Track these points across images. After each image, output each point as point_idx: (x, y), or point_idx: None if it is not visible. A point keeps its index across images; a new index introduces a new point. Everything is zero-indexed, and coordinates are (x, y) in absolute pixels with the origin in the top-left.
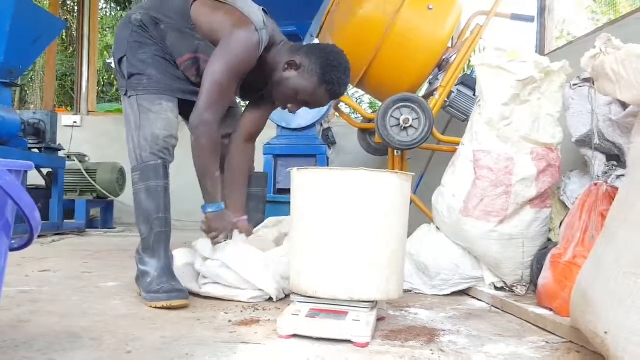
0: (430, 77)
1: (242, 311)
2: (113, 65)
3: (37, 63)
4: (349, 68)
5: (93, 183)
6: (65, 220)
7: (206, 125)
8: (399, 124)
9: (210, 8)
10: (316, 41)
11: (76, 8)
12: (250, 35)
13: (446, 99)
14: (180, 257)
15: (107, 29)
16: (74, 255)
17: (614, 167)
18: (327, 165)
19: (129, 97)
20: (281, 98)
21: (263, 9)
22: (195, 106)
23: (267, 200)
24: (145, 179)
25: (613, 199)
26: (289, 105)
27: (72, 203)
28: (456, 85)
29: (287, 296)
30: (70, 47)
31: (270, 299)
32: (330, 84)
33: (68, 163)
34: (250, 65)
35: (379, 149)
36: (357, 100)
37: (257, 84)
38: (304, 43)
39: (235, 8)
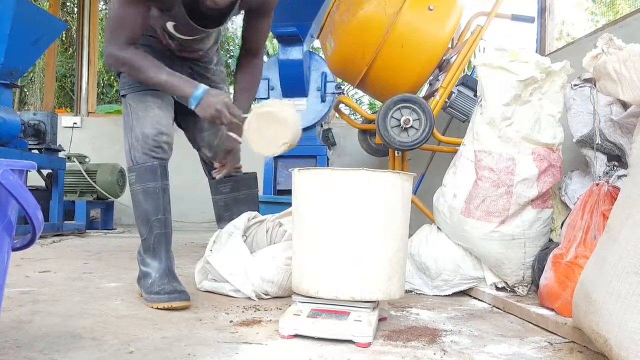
0: (431, 77)
1: (243, 311)
2: None
3: (37, 64)
4: None
5: (93, 184)
6: (65, 221)
7: (111, 58)
8: (400, 125)
9: None
10: (317, 42)
11: (76, 9)
12: None
13: (447, 100)
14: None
15: None
16: (74, 256)
17: (615, 167)
18: (328, 166)
19: (122, 96)
20: None
21: None
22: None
23: (269, 201)
24: (142, 181)
25: (614, 199)
26: None
27: (72, 204)
28: (457, 85)
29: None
30: (70, 48)
31: (272, 298)
32: None
33: (68, 164)
34: None
35: (379, 150)
36: (357, 100)
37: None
38: (305, 44)
39: None
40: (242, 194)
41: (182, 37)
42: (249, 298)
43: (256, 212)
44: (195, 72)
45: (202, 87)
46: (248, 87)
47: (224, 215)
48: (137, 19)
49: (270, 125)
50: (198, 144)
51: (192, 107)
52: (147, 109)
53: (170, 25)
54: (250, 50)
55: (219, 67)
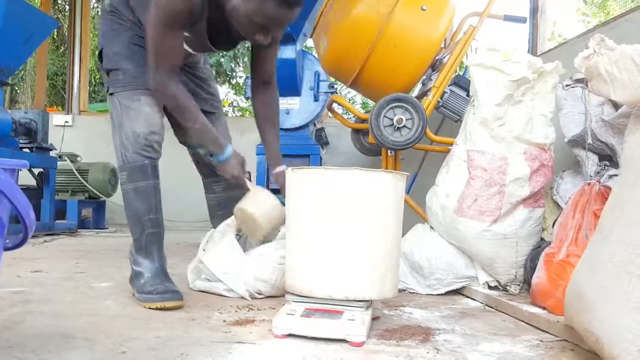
0: (424, 77)
1: (236, 311)
2: None
3: (28, 62)
4: None
5: (85, 183)
6: (56, 221)
7: (157, 87)
8: (393, 124)
9: None
10: (310, 41)
11: (68, 7)
12: None
13: (439, 100)
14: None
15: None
16: (66, 255)
17: (606, 167)
18: (321, 166)
19: (111, 94)
20: (242, 31)
21: None
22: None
23: None
24: (133, 180)
25: (606, 199)
26: (256, 37)
27: (63, 203)
28: (449, 85)
29: (278, 296)
30: (62, 46)
31: (266, 298)
32: None
33: (59, 163)
34: (184, 12)
35: (372, 149)
36: (350, 100)
37: (229, 30)
38: (298, 43)
39: None
40: (235, 193)
41: (190, 50)
42: (243, 297)
43: None
44: (188, 72)
45: (228, 152)
46: (271, 120)
47: (216, 214)
48: (178, 42)
49: (247, 219)
50: (189, 143)
51: (216, 162)
52: (139, 107)
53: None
54: (263, 81)
55: (206, 65)
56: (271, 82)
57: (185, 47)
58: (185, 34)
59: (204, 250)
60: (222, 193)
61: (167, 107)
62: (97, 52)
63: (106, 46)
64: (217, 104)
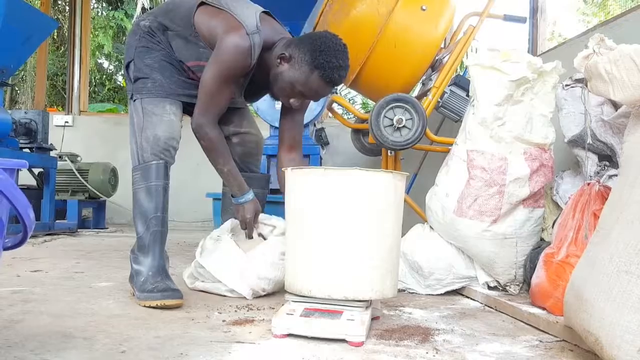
0: (424, 77)
1: (236, 311)
2: (105, 65)
3: (28, 62)
4: (342, 50)
5: (85, 183)
6: (56, 221)
7: (201, 128)
8: (393, 124)
9: (209, 15)
10: None
11: (67, 7)
12: (240, 40)
13: (439, 100)
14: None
15: (99, 29)
16: (66, 255)
17: (606, 167)
18: (321, 166)
19: (134, 100)
20: (280, 94)
21: (265, 11)
22: (193, 112)
23: None
24: (146, 179)
25: (605, 199)
26: (291, 101)
27: (63, 203)
28: (449, 85)
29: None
30: (62, 47)
31: (266, 297)
32: (321, 69)
33: (60, 163)
34: (242, 69)
35: (372, 149)
36: (350, 100)
37: (264, 86)
38: None
39: (230, 13)
40: (254, 191)
41: None
42: (243, 297)
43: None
44: None
45: (247, 197)
46: None
47: (229, 209)
48: (230, 94)
49: None
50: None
51: (234, 203)
52: (163, 114)
53: None
54: (291, 146)
55: None
56: (299, 147)
57: None
58: None
59: (200, 255)
60: None
61: (202, 147)
62: (123, 64)
63: (137, 58)
64: (243, 101)
